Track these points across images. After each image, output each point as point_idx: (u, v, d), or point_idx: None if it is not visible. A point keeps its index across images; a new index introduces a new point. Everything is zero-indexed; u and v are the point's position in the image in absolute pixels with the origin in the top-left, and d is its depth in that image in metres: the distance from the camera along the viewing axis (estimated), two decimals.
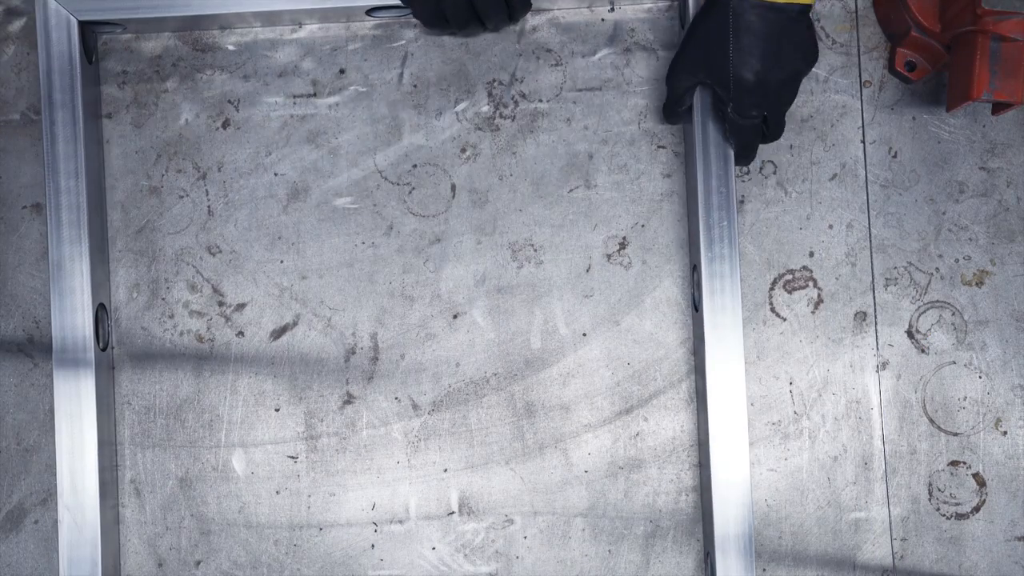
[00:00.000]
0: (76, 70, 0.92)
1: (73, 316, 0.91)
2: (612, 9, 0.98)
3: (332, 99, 0.98)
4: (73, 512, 0.90)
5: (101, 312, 0.94)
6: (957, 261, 0.98)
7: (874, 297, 0.98)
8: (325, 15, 0.95)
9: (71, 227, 0.91)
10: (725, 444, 0.90)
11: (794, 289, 0.98)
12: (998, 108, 0.92)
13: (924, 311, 0.98)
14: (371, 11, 0.95)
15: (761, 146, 0.98)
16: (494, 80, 0.98)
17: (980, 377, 0.97)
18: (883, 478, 0.96)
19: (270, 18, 0.95)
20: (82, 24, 0.93)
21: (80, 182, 0.92)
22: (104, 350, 0.95)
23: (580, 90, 0.98)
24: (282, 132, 0.98)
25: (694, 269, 0.94)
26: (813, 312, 0.97)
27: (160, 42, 0.98)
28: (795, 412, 0.97)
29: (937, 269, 0.98)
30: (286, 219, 0.98)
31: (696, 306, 0.94)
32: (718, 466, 0.90)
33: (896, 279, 0.98)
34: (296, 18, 0.96)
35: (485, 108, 0.98)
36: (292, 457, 0.97)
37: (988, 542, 0.96)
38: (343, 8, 0.94)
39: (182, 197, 0.98)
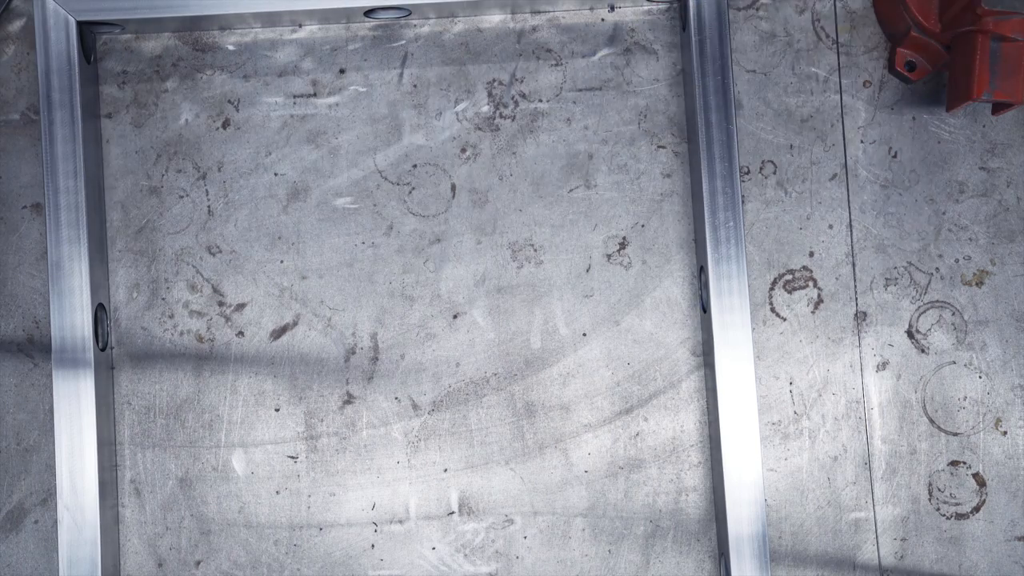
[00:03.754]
0: (75, 70, 0.92)
1: (72, 316, 0.91)
2: (612, 9, 0.98)
3: (332, 99, 0.98)
4: (73, 512, 0.90)
5: (100, 312, 0.94)
6: (957, 261, 0.98)
7: (874, 297, 0.98)
8: (324, 16, 0.95)
9: (70, 227, 0.91)
10: (736, 445, 0.90)
11: (794, 289, 0.98)
12: (998, 108, 0.92)
13: (924, 311, 0.98)
14: (369, 12, 0.95)
15: (762, 146, 0.99)
16: (494, 80, 0.98)
17: (980, 377, 0.97)
18: (883, 478, 0.96)
19: (270, 19, 0.95)
20: (80, 24, 0.93)
21: (79, 182, 0.92)
22: (103, 350, 0.95)
23: (580, 90, 0.98)
24: (282, 132, 0.98)
25: (701, 270, 0.94)
26: (813, 312, 0.97)
27: (160, 42, 0.98)
28: (795, 412, 0.97)
29: (937, 269, 0.98)
30: (286, 219, 0.98)
31: (704, 307, 0.93)
32: (730, 467, 0.90)
33: (896, 279, 0.98)
34: (295, 19, 0.96)
35: (485, 108, 0.98)
36: (292, 457, 0.97)
37: (988, 542, 0.96)
38: (342, 9, 0.94)
39: (182, 197, 0.98)
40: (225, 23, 0.96)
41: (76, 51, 0.92)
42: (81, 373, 0.91)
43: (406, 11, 0.95)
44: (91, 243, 0.92)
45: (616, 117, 0.98)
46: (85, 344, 0.91)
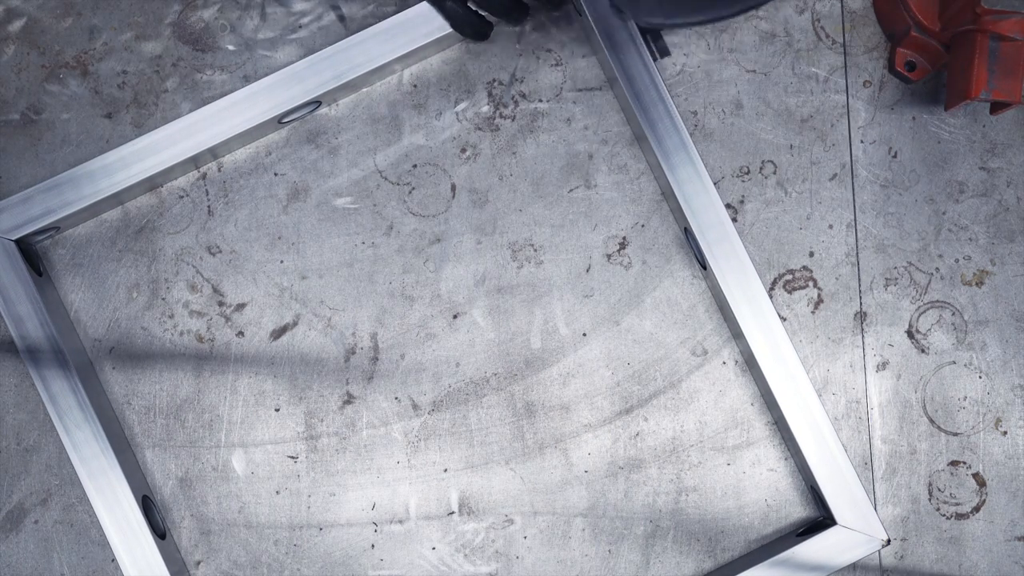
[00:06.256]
0: (32, 290, 0.91)
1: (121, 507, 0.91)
2: None
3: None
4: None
5: (148, 503, 0.94)
6: (957, 261, 0.98)
7: (874, 297, 0.98)
8: (243, 140, 0.95)
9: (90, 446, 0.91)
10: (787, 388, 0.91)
11: (794, 289, 0.98)
12: (996, 107, 0.92)
13: (924, 311, 0.98)
14: (283, 119, 0.95)
15: (762, 146, 0.99)
16: (494, 80, 0.99)
17: (980, 377, 0.97)
18: (883, 478, 0.96)
19: (194, 162, 0.95)
20: (18, 242, 0.92)
21: (91, 423, 0.91)
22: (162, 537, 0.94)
23: (580, 90, 0.98)
24: (282, 132, 0.98)
25: (686, 232, 0.94)
26: (813, 312, 0.97)
27: (160, 42, 0.99)
28: None
29: (937, 269, 0.98)
30: (286, 219, 0.98)
31: (703, 265, 0.93)
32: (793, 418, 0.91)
33: (896, 279, 0.98)
34: (217, 153, 0.96)
35: (485, 108, 0.98)
36: (292, 457, 0.97)
37: (988, 542, 0.96)
38: (257, 127, 0.94)
39: (182, 197, 0.98)
40: (156, 182, 0.96)
41: (25, 271, 0.91)
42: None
43: (316, 103, 0.95)
44: (114, 444, 0.92)
45: (616, 117, 0.98)
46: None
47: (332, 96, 0.95)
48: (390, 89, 0.98)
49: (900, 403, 0.97)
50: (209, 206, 0.98)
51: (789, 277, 0.98)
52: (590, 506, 0.96)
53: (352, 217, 0.98)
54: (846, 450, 0.95)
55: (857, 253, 0.98)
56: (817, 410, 0.90)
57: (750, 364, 0.94)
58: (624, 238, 0.98)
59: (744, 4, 0.87)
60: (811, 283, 0.98)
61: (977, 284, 0.98)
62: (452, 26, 0.93)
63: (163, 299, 0.97)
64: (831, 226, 0.98)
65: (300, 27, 0.99)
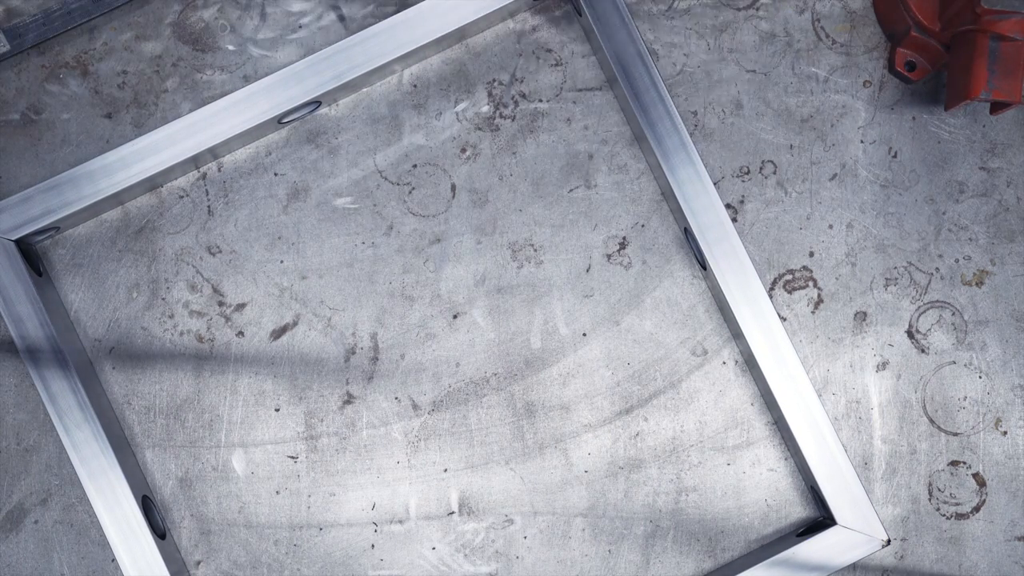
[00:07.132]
0: (31, 290, 0.91)
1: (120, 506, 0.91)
2: None
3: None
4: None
5: (148, 503, 0.94)
6: (957, 261, 0.98)
7: (874, 297, 0.98)
8: (243, 140, 0.95)
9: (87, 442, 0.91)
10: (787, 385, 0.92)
11: (794, 289, 0.98)
12: (996, 107, 0.92)
13: (924, 311, 0.98)
14: (282, 119, 0.95)
15: (762, 146, 0.99)
16: (494, 80, 0.99)
17: (980, 377, 0.97)
18: (883, 478, 0.96)
19: (194, 162, 0.95)
20: (18, 242, 0.92)
21: (90, 422, 0.91)
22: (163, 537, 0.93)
23: (580, 90, 0.98)
24: (282, 132, 0.98)
25: (686, 232, 0.94)
26: (813, 312, 0.97)
27: (160, 42, 0.99)
28: None
29: (937, 269, 0.98)
30: (286, 219, 0.98)
31: (703, 265, 0.93)
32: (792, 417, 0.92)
33: (896, 279, 0.98)
34: (217, 153, 0.96)
35: (485, 108, 0.98)
36: (292, 457, 0.97)
37: (988, 542, 0.96)
38: (257, 127, 0.93)
39: (182, 197, 0.98)
40: (156, 182, 0.96)
41: (24, 271, 0.91)
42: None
43: (316, 103, 0.95)
44: (114, 444, 0.92)
45: (616, 117, 0.98)
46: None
47: (332, 96, 0.95)
48: (390, 89, 0.98)
49: (900, 403, 0.97)
50: (209, 206, 0.98)
51: (789, 277, 0.98)
52: (590, 506, 0.96)
53: (352, 217, 0.98)
54: (846, 450, 0.94)
55: (857, 253, 0.98)
56: (817, 410, 0.91)
57: (750, 364, 0.94)
58: (624, 238, 0.98)
59: None
60: (811, 283, 0.98)
61: (977, 284, 0.98)
62: None
63: (163, 299, 0.97)
64: (831, 226, 0.98)
65: (300, 27, 0.99)
